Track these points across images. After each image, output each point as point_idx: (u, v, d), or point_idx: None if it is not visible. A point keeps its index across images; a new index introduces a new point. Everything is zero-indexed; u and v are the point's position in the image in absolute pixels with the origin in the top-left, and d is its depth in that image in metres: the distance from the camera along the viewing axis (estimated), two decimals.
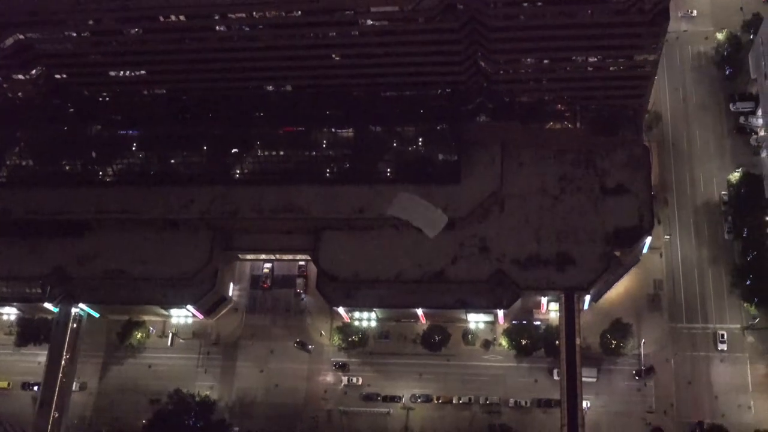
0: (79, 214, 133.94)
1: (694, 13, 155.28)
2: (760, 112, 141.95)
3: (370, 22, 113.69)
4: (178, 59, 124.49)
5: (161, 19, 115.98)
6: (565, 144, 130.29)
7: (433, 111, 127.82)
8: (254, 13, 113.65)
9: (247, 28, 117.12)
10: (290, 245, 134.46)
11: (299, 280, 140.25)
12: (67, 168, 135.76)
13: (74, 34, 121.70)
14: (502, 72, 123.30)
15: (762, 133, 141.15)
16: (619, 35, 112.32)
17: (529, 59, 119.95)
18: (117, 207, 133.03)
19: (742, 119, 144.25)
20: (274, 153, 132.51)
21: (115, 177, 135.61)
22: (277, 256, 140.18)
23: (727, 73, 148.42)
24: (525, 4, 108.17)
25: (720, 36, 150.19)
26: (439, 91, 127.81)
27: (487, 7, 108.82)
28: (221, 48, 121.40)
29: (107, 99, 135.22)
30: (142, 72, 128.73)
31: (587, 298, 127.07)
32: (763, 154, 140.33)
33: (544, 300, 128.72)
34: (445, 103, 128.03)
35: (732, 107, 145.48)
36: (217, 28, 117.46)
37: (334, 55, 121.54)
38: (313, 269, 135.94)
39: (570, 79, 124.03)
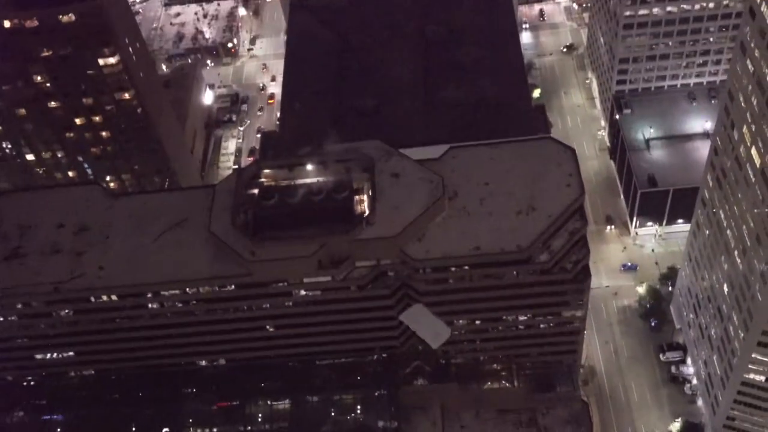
0: None
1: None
2: (689, 361, 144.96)
3: (303, 292, 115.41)
4: (108, 339, 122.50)
5: (92, 300, 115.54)
6: (505, 403, 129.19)
7: (370, 377, 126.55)
8: (188, 289, 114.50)
9: (180, 304, 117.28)
10: None
11: None
12: None
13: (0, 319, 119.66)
14: None
15: (695, 381, 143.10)
16: (545, 294, 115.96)
17: (461, 321, 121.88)
18: None
19: (673, 369, 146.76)
20: (207, 430, 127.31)
21: None
22: None
23: (653, 324, 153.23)
24: (453, 269, 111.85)
25: (641, 290, 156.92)
26: (375, 356, 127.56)
27: (417, 273, 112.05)
28: (153, 325, 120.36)
29: (31, 383, 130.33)
30: (71, 353, 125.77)
31: None
32: (699, 402, 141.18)
33: None
34: (382, 368, 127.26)
35: (662, 357, 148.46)
36: (150, 305, 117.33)
37: (268, 327, 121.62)
38: None
39: (503, 338, 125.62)
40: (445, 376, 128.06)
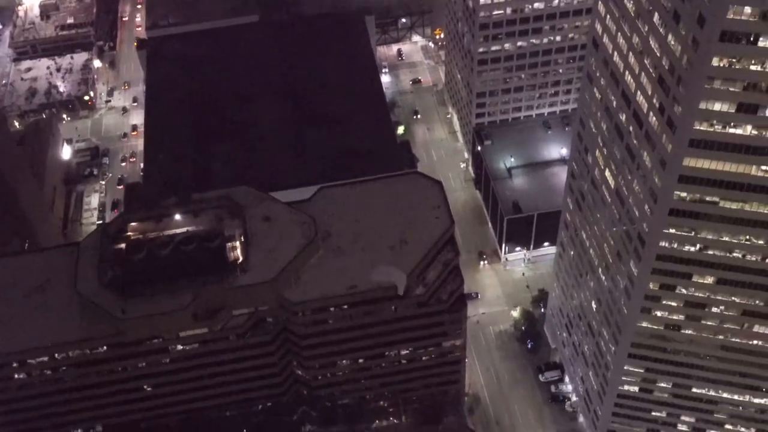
0: None
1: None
2: (567, 379, 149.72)
3: (180, 347, 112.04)
4: None
5: None
6: None
7: (257, 428, 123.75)
8: (56, 354, 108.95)
9: (49, 372, 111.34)
10: None
11: None
12: None
13: None
14: (320, 377, 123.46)
15: (574, 398, 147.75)
16: (424, 326, 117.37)
17: (344, 361, 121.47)
18: None
19: (553, 388, 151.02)
20: None
21: None
22: None
23: (530, 346, 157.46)
24: (332, 309, 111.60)
25: (515, 314, 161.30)
26: (261, 406, 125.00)
27: (296, 316, 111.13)
28: (21, 397, 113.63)
29: None
30: None
31: None
32: (581, 419, 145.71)
33: None
34: (268, 417, 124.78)
35: (541, 378, 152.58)
36: (16, 376, 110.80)
37: (145, 386, 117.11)
38: None
39: (387, 374, 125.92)
40: (332, 419, 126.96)
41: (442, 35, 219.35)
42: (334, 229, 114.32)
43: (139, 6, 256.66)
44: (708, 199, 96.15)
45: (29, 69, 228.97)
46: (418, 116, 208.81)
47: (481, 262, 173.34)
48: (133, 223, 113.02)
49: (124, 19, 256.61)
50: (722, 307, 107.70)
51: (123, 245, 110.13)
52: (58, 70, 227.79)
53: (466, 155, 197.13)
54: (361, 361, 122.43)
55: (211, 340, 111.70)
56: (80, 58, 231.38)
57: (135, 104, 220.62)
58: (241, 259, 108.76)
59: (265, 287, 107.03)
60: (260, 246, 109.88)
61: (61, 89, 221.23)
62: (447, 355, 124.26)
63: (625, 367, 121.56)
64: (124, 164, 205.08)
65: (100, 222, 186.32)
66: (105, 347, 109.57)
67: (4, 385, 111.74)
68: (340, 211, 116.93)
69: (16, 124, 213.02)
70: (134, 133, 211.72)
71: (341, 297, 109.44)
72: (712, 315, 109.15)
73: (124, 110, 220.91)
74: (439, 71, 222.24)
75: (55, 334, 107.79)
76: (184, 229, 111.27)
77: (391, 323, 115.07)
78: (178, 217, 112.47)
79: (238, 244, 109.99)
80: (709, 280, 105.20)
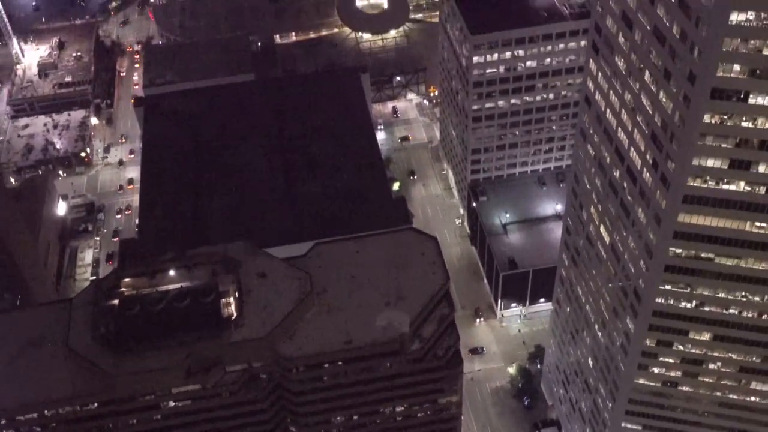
0: None
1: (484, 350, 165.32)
2: None
3: (172, 403, 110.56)
4: None
5: None
6: None
7: None
8: (46, 411, 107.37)
9: (39, 429, 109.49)
10: None
11: None
12: None
13: None
14: None
15: None
16: (420, 382, 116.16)
17: (338, 417, 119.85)
18: None
19: None
20: None
21: None
22: None
23: (526, 403, 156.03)
24: (326, 365, 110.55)
25: (511, 370, 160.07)
26: None
27: (290, 373, 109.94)
28: None
29: None
30: None
31: None
32: None
33: None
34: None
35: None
36: None
37: None
38: None
39: (382, 431, 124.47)
40: None
41: (436, 92, 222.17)
42: (329, 285, 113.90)
43: (136, 65, 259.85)
44: (703, 255, 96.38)
45: (26, 126, 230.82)
46: (415, 177, 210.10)
47: (477, 319, 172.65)
48: (126, 279, 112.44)
49: (122, 74, 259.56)
50: (719, 364, 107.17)
51: (116, 301, 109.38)
52: (55, 127, 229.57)
53: (461, 211, 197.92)
54: (355, 417, 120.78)
55: (204, 396, 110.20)
56: (77, 115, 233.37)
57: (132, 156, 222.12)
58: (235, 314, 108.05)
59: (259, 343, 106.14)
60: (255, 301, 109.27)
61: (58, 146, 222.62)
62: (443, 412, 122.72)
63: (623, 425, 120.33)
64: (119, 216, 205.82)
65: (94, 278, 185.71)
66: (96, 404, 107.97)
67: None
68: (335, 266, 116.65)
69: (12, 180, 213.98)
70: (130, 186, 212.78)
71: (336, 353, 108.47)
72: (710, 372, 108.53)
73: (121, 163, 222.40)
74: (434, 128, 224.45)
75: (46, 391, 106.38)
76: (178, 285, 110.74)
77: (387, 380, 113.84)
78: (172, 272, 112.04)
79: (232, 299, 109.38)
80: (706, 336, 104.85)
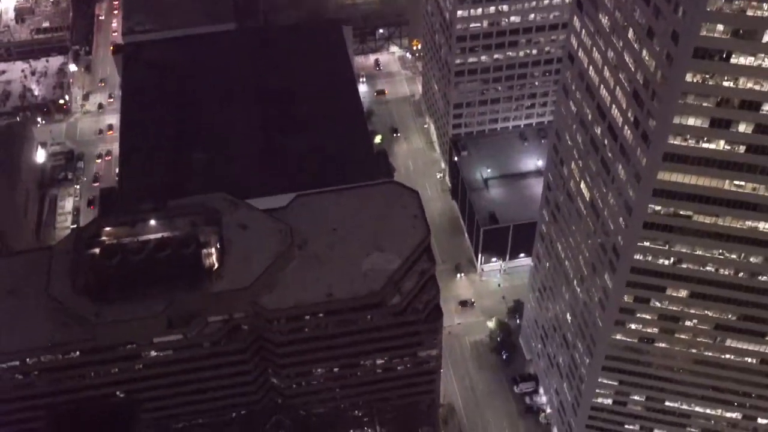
0: None
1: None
2: (542, 391, 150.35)
3: (153, 353, 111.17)
4: None
5: None
6: None
7: None
8: (27, 359, 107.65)
9: (21, 377, 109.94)
10: None
11: None
12: None
13: None
14: (294, 386, 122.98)
15: (548, 410, 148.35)
16: (400, 335, 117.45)
17: (319, 369, 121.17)
18: None
19: (527, 399, 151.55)
20: None
21: None
22: None
23: (505, 357, 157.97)
24: (308, 317, 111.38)
25: (490, 324, 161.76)
26: (234, 414, 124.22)
27: (272, 324, 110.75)
28: None
29: None
30: None
31: None
32: (555, 431, 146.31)
33: None
34: (242, 426, 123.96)
35: (516, 389, 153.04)
36: None
37: (118, 392, 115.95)
38: None
39: (362, 384, 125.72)
40: (306, 427, 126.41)
41: (419, 46, 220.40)
42: (310, 237, 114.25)
43: (115, 12, 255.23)
44: (682, 213, 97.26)
45: (3, 72, 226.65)
46: (398, 134, 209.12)
47: (458, 273, 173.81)
48: (107, 228, 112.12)
49: (101, 18, 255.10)
50: (695, 321, 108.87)
51: (97, 250, 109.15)
52: (33, 73, 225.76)
53: (442, 165, 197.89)
54: (336, 370, 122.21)
55: (185, 346, 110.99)
56: (56, 61, 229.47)
57: (111, 101, 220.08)
58: (216, 265, 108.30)
59: (240, 294, 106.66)
60: (236, 253, 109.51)
61: (36, 93, 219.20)
62: (422, 365, 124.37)
63: (599, 380, 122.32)
64: (99, 161, 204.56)
65: (74, 226, 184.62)
66: (77, 352, 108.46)
67: None
68: (316, 219, 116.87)
69: None
70: (110, 132, 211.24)
71: (317, 305, 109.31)
72: (686, 329, 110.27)
73: (100, 107, 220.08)
74: (416, 81, 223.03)
75: (27, 339, 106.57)
76: (158, 235, 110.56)
77: (367, 332, 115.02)
78: (153, 222, 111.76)
79: (213, 250, 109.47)
80: (683, 293, 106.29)
